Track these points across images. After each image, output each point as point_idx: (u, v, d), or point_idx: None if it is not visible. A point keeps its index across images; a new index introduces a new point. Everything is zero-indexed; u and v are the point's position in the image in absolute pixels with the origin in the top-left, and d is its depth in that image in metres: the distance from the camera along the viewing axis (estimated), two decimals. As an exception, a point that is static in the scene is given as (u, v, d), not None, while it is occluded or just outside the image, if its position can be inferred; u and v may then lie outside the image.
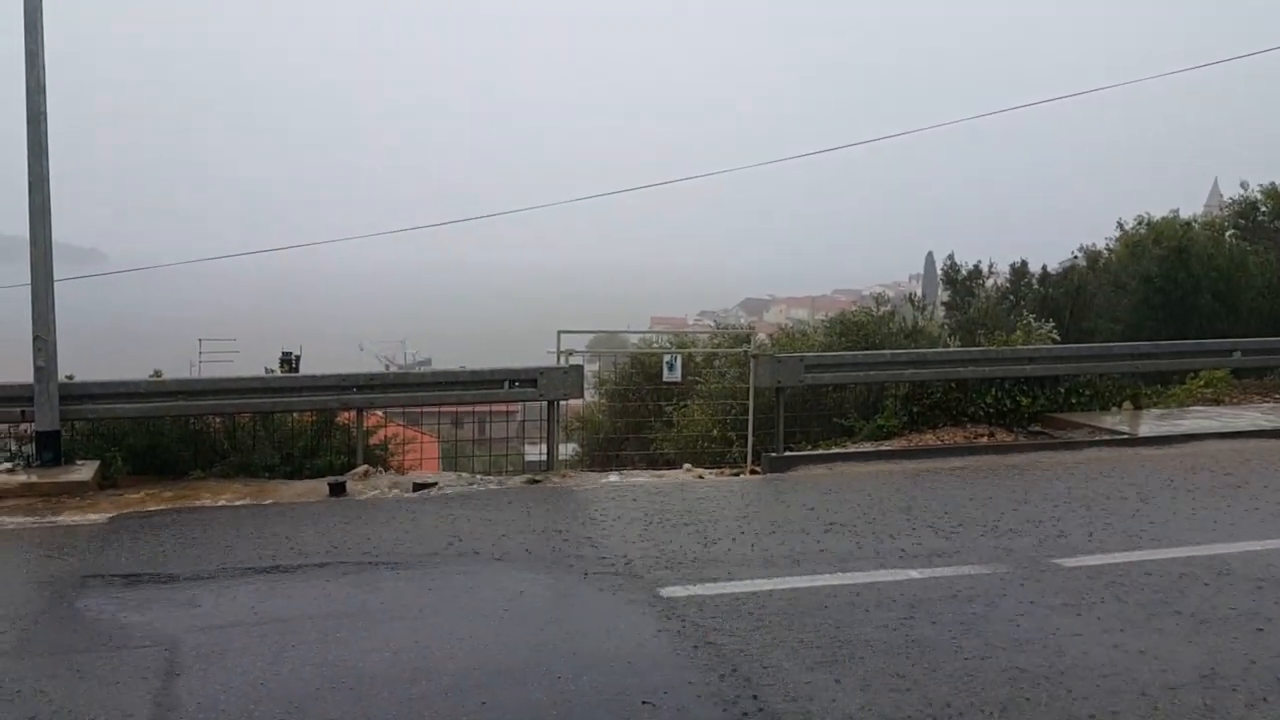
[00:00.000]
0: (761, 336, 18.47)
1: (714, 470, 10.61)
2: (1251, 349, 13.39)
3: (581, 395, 11.14)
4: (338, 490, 8.99)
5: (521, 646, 5.08)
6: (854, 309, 18.06)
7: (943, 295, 28.29)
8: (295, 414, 10.42)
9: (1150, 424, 11.72)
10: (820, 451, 10.84)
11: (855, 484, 9.16)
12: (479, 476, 10.09)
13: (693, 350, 16.66)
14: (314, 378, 10.11)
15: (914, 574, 6.24)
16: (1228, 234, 31.20)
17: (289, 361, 10.85)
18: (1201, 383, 14.44)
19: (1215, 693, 4.40)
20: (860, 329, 15.31)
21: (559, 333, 10.83)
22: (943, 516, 7.74)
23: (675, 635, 5.18)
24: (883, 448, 10.87)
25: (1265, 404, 13.31)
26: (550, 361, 10.67)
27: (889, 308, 16.93)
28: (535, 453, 11.99)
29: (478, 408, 13.54)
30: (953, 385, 11.85)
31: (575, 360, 10.72)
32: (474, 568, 6.58)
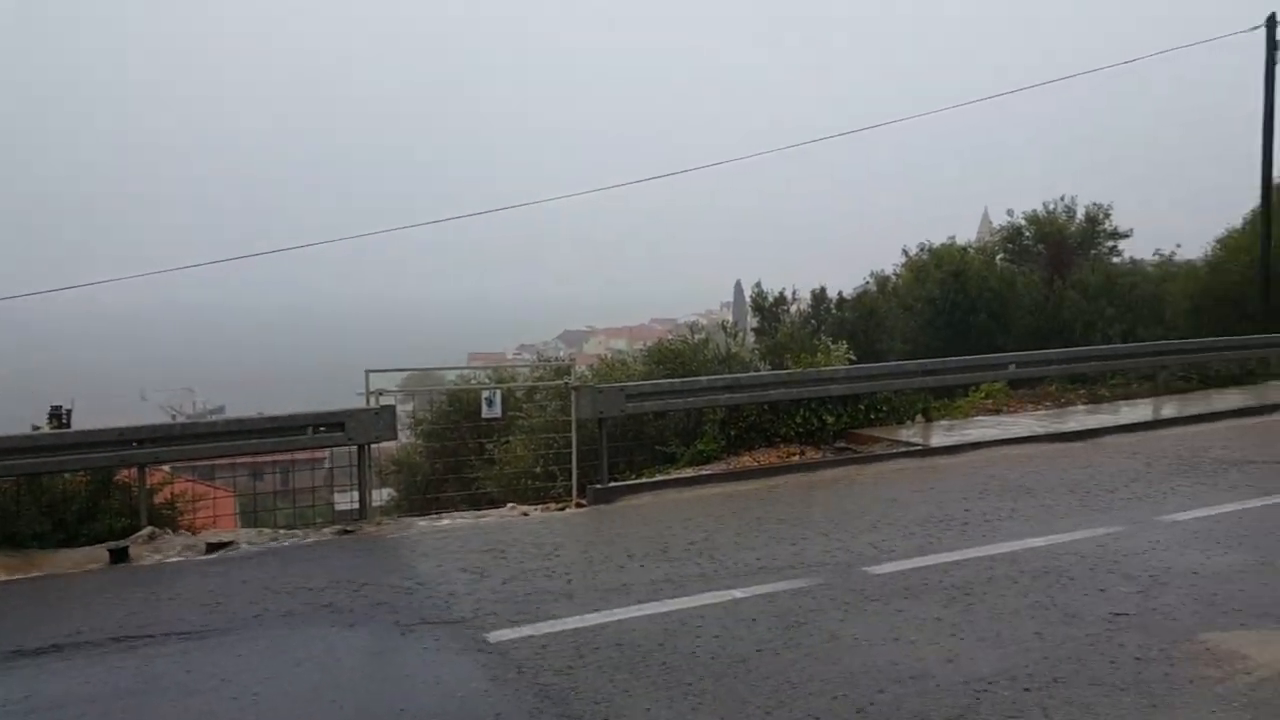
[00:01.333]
0: (581, 368, 18.52)
1: (539, 506, 10.56)
2: (1024, 361, 14.60)
3: (394, 437, 10.80)
4: (120, 557, 8.30)
5: (343, 711, 4.86)
6: (670, 338, 18.47)
7: (752, 321, 29.38)
8: (68, 474, 9.54)
9: (941, 434, 12.54)
10: (644, 480, 11.00)
11: (679, 510, 9.35)
12: (282, 531, 9.61)
13: (513, 385, 16.56)
14: (88, 433, 9.22)
15: (738, 594, 6.43)
16: (998, 258, 33.95)
17: (59, 416, 9.92)
18: (982, 394, 15.60)
19: (1015, 690, 4.73)
20: (677, 357, 15.65)
21: (367, 372, 10.54)
22: (764, 535, 8.02)
23: (505, 681, 5.12)
24: (703, 472, 11.14)
25: (1038, 411, 14.49)
26: (360, 403, 10.34)
27: (703, 335, 17.42)
28: (347, 501, 11.47)
29: (279, 457, 12.73)
30: (765, 407, 12.30)
31: (386, 400, 10.44)
32: (282, 631, 6.20)
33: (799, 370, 12.40)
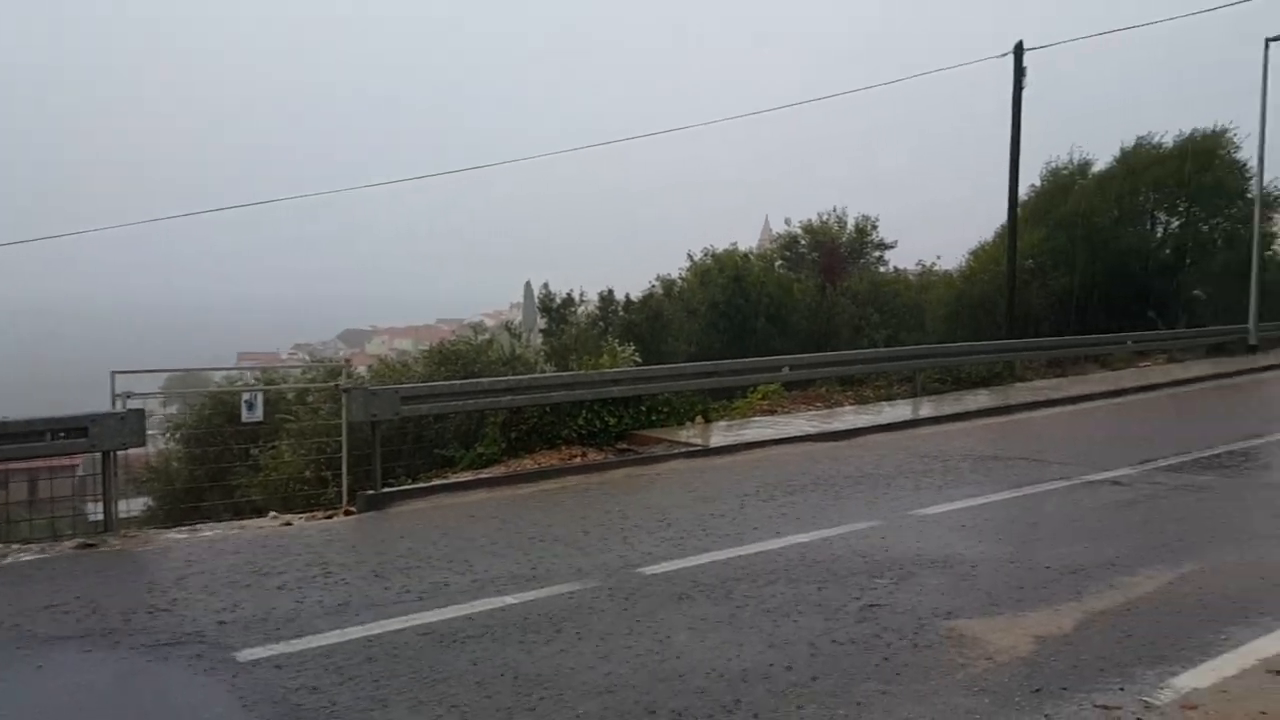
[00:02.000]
0: (361, 369, 17.86)
1: (305, 515, 9.99)
2: (798, 364, 15.21)
3: (143, 443, 9.93)
4: None
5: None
6: (453, 338, 18.09)
7: (541, 323, 29.38)
8: None
9: (720, 435, 12.85)
10: (419, 485, 10.63)
11: (454, 515, 9.08)
12: (15, 546, 8.64)
13: (282, 386, 15.69)
14: None
15: (510, 600, 6.25)
16: (777, 264, 35.47)
17: None
18: (759, 395, 16.15)
19: (774, 685, 4.80)
20: (460, 358, 15.32)
21: (113, 374, 9.64)
22: (538, 539, 7.88)
23: (253, 705, 4.72)
24: (482, 476, 10.90)
25: (810, 411, 15.13)
26: (106, 407, 9.44)
27: (487, 336, 17.14)
28: (98, 511, 10.49)
29: (19, 465, 11.55)
30: (547, 409, 12.19)
31: (136, 404, 9.58)
32: (4, 658, 5.57)
33: (581, 372, 12.40)
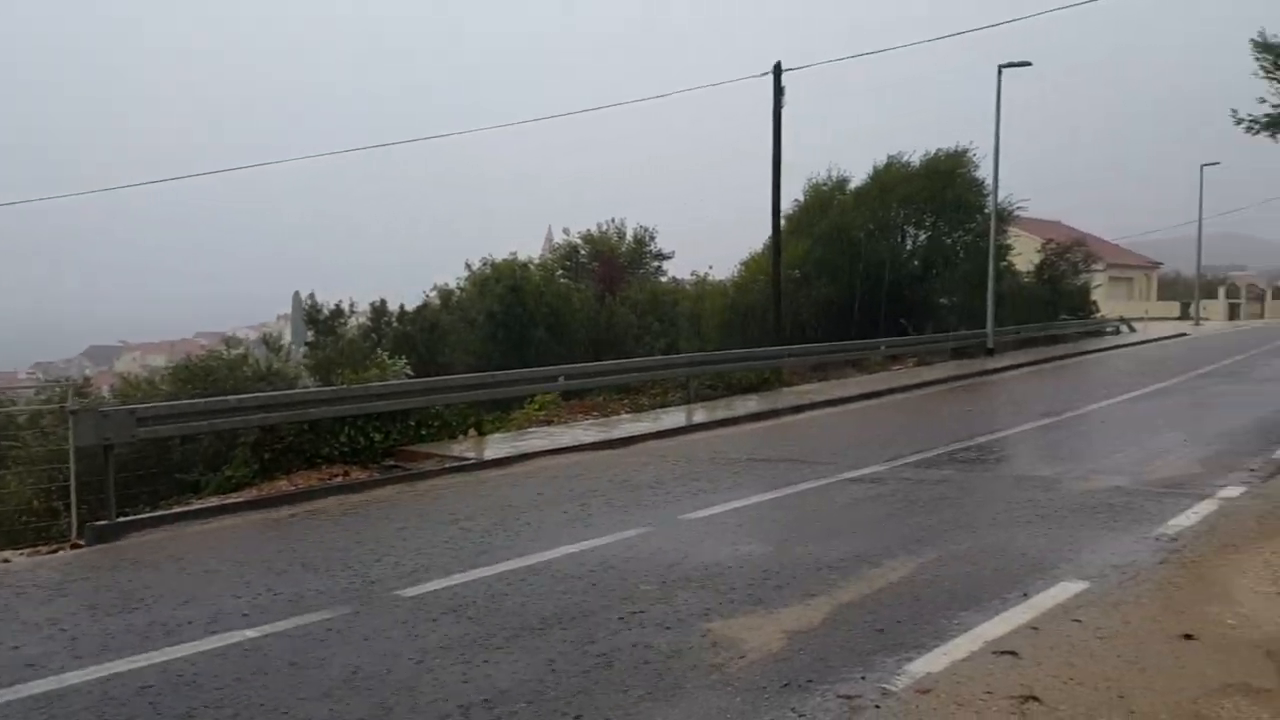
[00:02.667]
0: (104, 388, 16.42)
1: (27, 550, 8.98)
2: (574, 374, 15.19)
3: None
4: None
5: None
6: (204, 353, 16.89)
7: (309, 335, 28.04)
8: None
9: (494, 447, 12.58)
10: (159, 514, 9.75)
11: (195, 545, 8.37)
12: None
13: (11, 410, 14.11)
14: None
15: (250, 634, 5.77)
16: (557, 274, 35.50)
17: None
18: (536, 406, 16.00)
19: (536, 701, 4.63)
20: (209, 374, 14.28)
21: None
22: (287, 566, 7.37)
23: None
24: (230, 501, 10.13)
25: (587, 420, 15.12)
26: None
27: (242, 350, 16.10)
28: None
29: None
30: (305, 427, 11.53)
31: None
32: None
33: (343, 386, 11.81)
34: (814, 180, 31.97)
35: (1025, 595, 5.85)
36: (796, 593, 6.12)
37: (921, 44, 25.66)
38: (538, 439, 13.26)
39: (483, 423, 13.77)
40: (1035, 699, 4.29)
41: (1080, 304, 33.42)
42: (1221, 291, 56.54)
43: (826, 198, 31.32)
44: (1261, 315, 52.37)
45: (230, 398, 11.02)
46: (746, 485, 9.92)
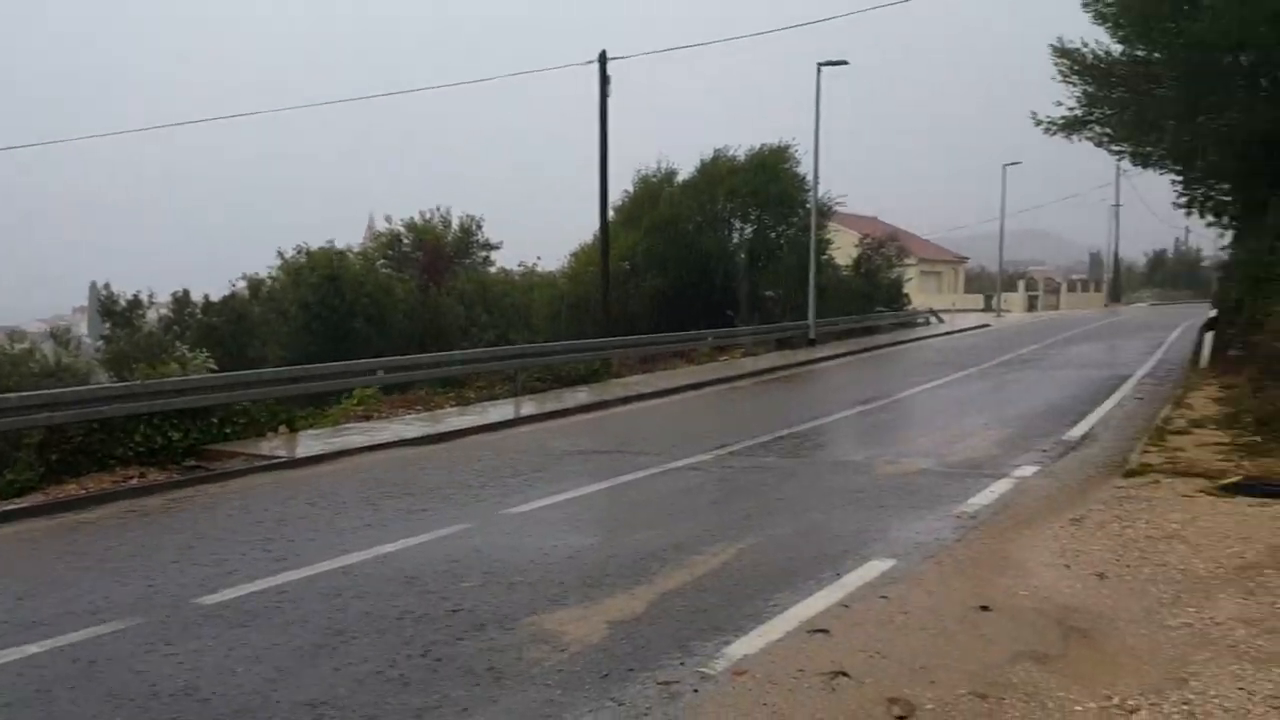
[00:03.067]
0: None
1: None
2: (393, 366, 14.72)
3: None
4: None
5: None
6: (-12, 349, 15.47)
7: (105, 328, 26.17)
8: None
9: (307, 444, 12.03)
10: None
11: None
12: None
13: None
14: None
15: (33, 649, 5.26)
16: (378, 263, 34.45)
17: None
18: (355, 401, 15.43)
19: (347, 707, 4.39)
20: (-10, 372, 13.12)
21: None
22: (75, 575, 6.79)
23: None
24: (11, 507, 9.22)
25: (409, 415, 14.70)
26: None
27: (27, 344, 14.86)
28: None
29: None
30: (96, 426, 10.68)
31: None
32: None
33: (137, 382, 11.00)
34: (642, 172, 32.27)
35: (838, 575, 6.02)
36: (620, 583, 6.09)
37: (746, 38, 26.25)
38: (355, 435, 12.77)
39: (295, 419, 13.14)
40: (844, 674, 4.39)
41: (894, 296, 35.10)
42: (1021, 285, 60.66)
43: (655, 189, 31.63)
44: (1057, 307, 56.51)
45: (10, 395, 10.10)
46: (573, 477, 9.84)
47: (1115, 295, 64.70)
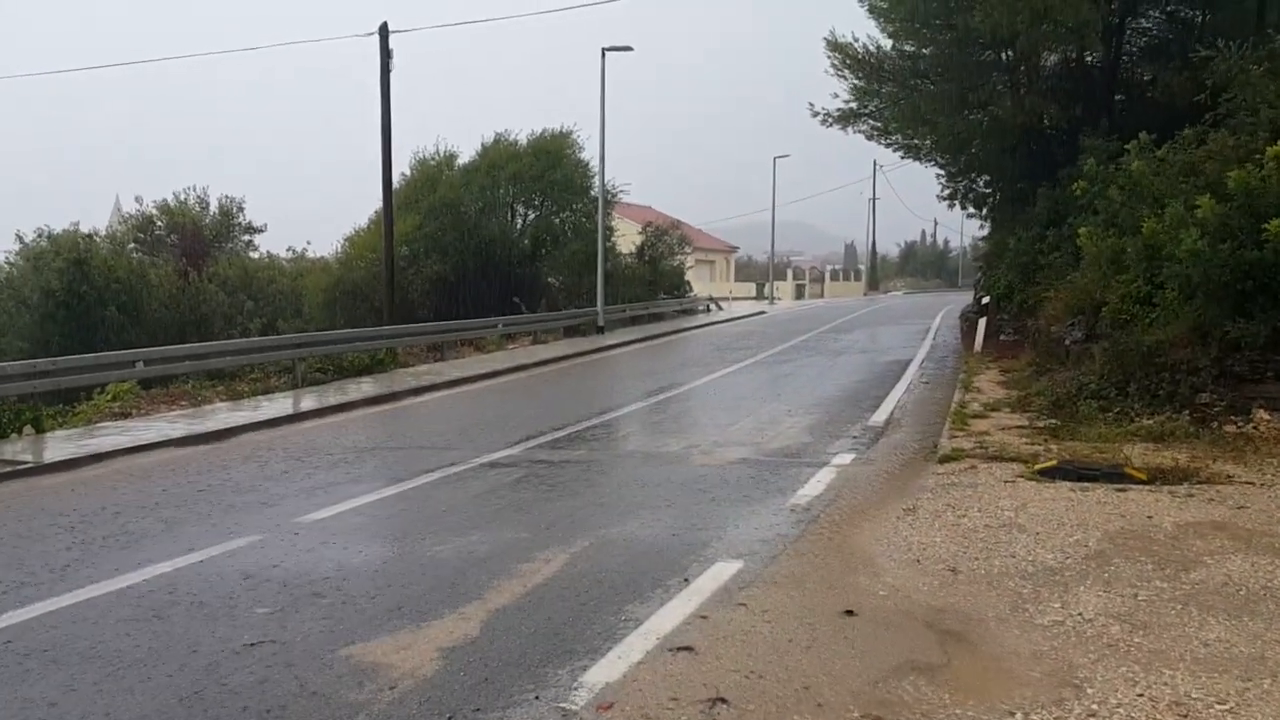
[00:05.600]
0: None
1: None
2: (154, 358, 13.20)
3: None
4: None
5: None
6: None
7: None
8: None
9: (58, 447, 10.49)
10: None
11: None
12: None
13: None
14: None
15: None
16: (129, 247, 31.42)
17: None
18: (109, 397, 13.72)
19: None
20: None
21: None
22: None
23: None
24: None
25: (173, 411, 13.21)
26: None
27: None
28: None
29: None
30: None
31: None
32: None
33: None
34: (420, 155, 31.05)
35: (686, 580, 5.63)
36: (445, 599, 5.44)
37: (534, 16, 25.66)
38: (114, 435, 11.28)
39: (43, 418, 11.46)
40: (723, 700, 3.98)
41: (677, 284, 35.57)
42: (790, 273, 63.42)
43: (434, 173, 30.52)
44: (822, 295, 59.54)
45: None
46: (370, 478, 9.01)
47: (873, 284, 68.94)
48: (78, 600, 5.60)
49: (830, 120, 23.62)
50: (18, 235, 28.33)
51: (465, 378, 17.00)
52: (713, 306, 38.74)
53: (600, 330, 26.12)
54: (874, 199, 70.27)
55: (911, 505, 7.18)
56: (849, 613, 4.97)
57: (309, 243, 35.38)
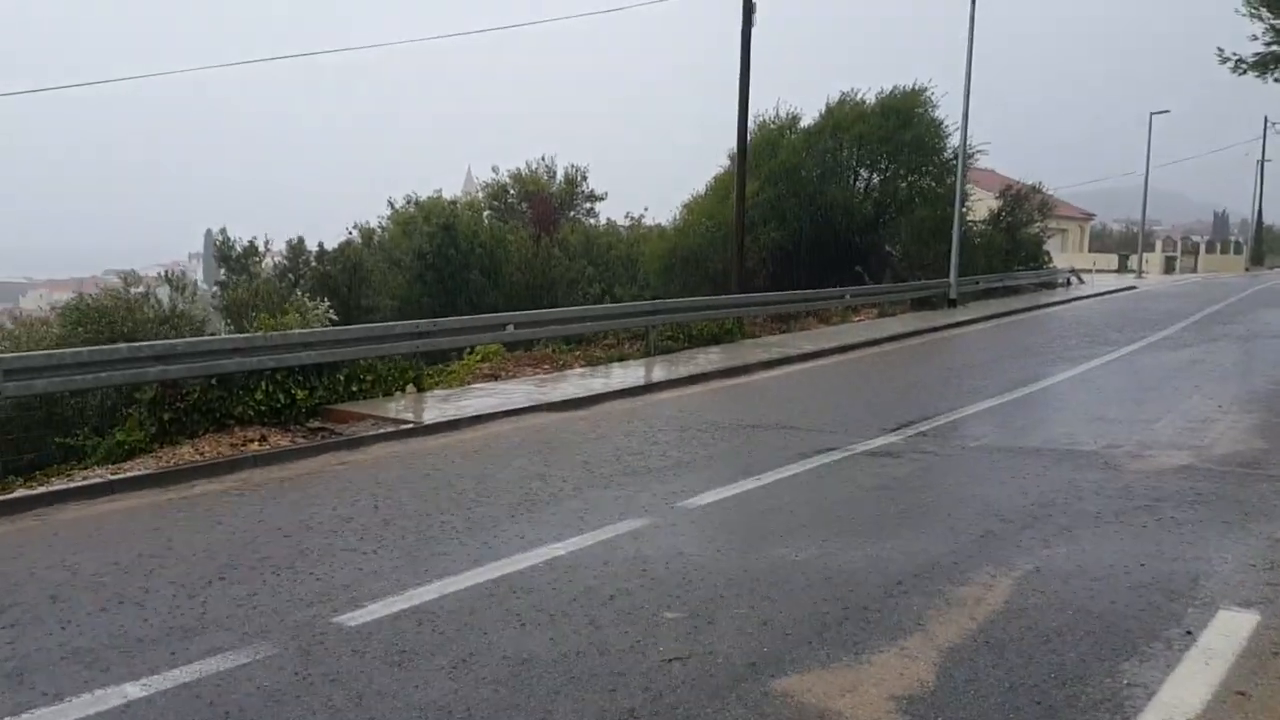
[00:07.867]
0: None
1: None
2: (523, 322, 13.46)
3: None
4: None
5: None
6: (100, 291, 14.70)
7: (220, 274, 25.67)
8: None
9: (436, 408, 10.85)
10: (24, 494, 7.80)
11: (70, 539, 6.50)
12: None
13: None
14: None
15: (133, 690, 4.07)
16: (485, 214, 33.42)
17: None
18: (479, 358, 14.23)
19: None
20: (104, 316, 12.26)
21: None
22: (193, 577, 5.58)
23: None
24: (121, 475, 8.19)
25: (538, 375, 13.43)
26: None
27: (142, 288, 14.03)
28: None
29: None
30: (214, 382, 9.64)
31: None
32: None
33: (259, 334, 9.90)
34: (761, 118, 30.32)
35: (1189, 633, 4.45)
36: (875, 626, 4.64)
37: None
38: (485, 397, 11.53)
39: (423, 377, 11.97)
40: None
41: (1035, 255, 32.59)
42: (1158, 245, 56.83)
43: (775, 136, 29.66)
44: (1195, 269, 52.69)
45: (121, 345, 9.10)
46: (744, 458, 8.42)
47: (1258, 258, 60.29)
48: (462, 585, 5.35)
49: (1243, 67, 20.26)
50: (389, 201, 30.96)
51: (817, 351, 16.16)
52: (1074, 280, 35.22)
53: (952, 303, 24.29)
54: (1263, 160, 61.01)
55: None
56: None
57: (646, 209, 36.07)
